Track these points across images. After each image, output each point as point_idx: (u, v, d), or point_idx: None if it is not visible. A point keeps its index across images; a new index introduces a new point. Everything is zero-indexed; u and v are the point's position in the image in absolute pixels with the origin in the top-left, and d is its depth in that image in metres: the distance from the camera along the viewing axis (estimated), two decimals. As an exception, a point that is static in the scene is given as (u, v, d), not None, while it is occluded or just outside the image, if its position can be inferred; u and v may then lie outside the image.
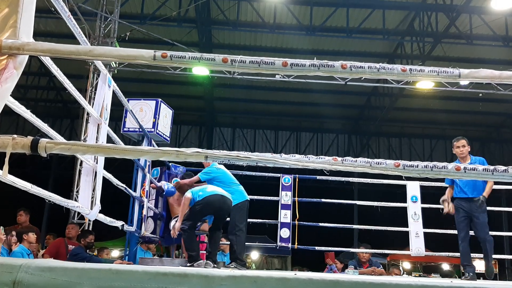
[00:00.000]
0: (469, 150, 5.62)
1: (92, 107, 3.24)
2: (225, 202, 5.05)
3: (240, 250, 5.24)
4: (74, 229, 6.33)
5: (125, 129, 6.14)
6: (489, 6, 11.16)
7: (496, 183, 5.56)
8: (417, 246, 6.37)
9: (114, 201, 5.79)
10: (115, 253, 12.29)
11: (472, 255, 5.74)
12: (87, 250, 6.01)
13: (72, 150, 1.92)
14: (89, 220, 8.25)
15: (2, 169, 1.87)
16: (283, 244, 6.53)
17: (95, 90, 7.74)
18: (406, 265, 16.60)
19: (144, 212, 5.52)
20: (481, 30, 12.15)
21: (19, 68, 1.94)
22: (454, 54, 13.52)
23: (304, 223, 6.63)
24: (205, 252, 5.95)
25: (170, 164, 6.49)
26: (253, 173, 6.83)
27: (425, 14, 12.46)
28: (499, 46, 12.53)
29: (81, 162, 3.41)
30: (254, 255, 14.92)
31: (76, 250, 5.69)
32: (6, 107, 2.00)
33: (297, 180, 6.77)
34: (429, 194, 7.16)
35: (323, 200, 6.92)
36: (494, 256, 9.63)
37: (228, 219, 5.41)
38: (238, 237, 5.23)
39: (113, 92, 3.61)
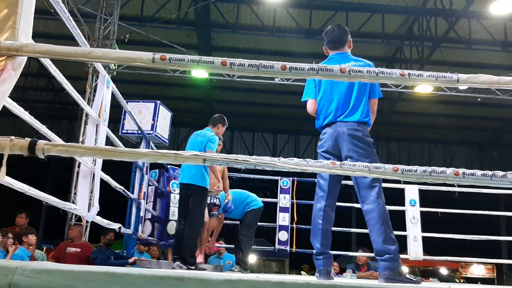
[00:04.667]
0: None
1: (91, 108, 3.24)
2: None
3: (246, 253, 5.28)
4: (74, 230, 6.38)
5: (123, 131, 6.15)
6: (488, 11, 11.19)
7: (495, 187, 5.40)
8: (415, 250, 6.36)
9: (112, 203, 5.78)
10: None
11: (470, 259, 5.37)
12: (108, 247, 6.05)
13: (70, 152, 1.91)
14: (87, 222, 8.25)
15: (-1, 171, 1.86)
16: (281, 247, 6.52)
17: (94, 91, 7.75)
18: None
19: (142, 214, 5.52)
20: (480, 34, 12.18)
21: (18, 70, 1.94)
22: (453, 58, 13.55)
23: (303, 226, 6.62)
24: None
25: (169, 166, 6.49)
26: (251, 176, 6.81)
27: (424, 19, 12.49)
28: (498, 51, 12.55)
29: (79, 163, 3.41)
30: (252, 258, 14.90)
31: (94, 254, 5.71)
32: (4, 108, 2.00)
33: (295, 183, 6.76)
34: (428, 198, 7.16)
35: (321, 203, 6.90)
36: (492, 260, 9.56)
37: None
38: (248, 238, 5.30)
39: (112, 94, 3.60)
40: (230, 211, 5.40)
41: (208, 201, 5.18)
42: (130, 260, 5.63)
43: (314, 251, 3.21)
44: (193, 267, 4.67)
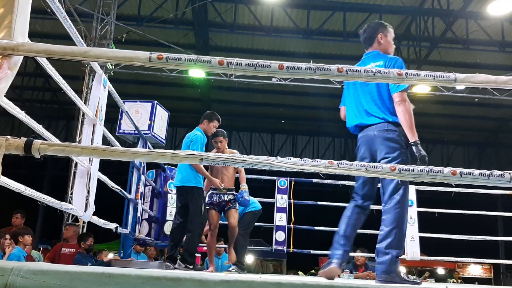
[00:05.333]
0: None
1: (88, 107, 3.22)
2: None
3: (242, 253, 5.29)
4: (69, 230, 6.41)
5: (120, 131, 6.13)
6: (485, 11, 11.20)
7: (492, 187, 5.35)
8: (412, 250, 6.36)
9: (109, 204, 5.77)
10: (110, 256, 12.25)
11: (467, 259, 5.26)
12: (89, 253, 6.02)
13: (66, 152, 1.90)
14: (84, 222, 8.24)
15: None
16: (279, 248, 6.52)
17: (91, 91, 7.74)
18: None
19: (139, 214, 5.50)
20: (477, 35, 12.20)
21: (14, 69, 1.93)
22: (450, 58, 13.57)
23: (300, 226, 6.61)
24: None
25: (166, 166, 6.47)
26: (249, 176, 6.79)
27: (422, 19, 12.50)
28: (495, 51, 12.58)
29: (76, 164, 3.40)
30: (249, 258, 14.88)
31: (76, 259, 5.69)
32: (1, 108, 1.99)
33: (292, 183, 6.76)
34: (425, 198, 7.16)
35: (318, 202, 6.91)
36: (489, 260, 9.59)
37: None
38: (244, 238, 5.30)
39: (109, 94, 3.59)
40: (245, 202, 5.08)
41: (218, 199, 5.02)
42: (106, 260, 5.64)
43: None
44: (191, 267, 4.68)
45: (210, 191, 5.07)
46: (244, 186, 5.08)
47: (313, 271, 12.58)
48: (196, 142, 4.93)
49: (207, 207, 5.05)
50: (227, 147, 5.37)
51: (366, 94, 3.20)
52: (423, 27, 12.50)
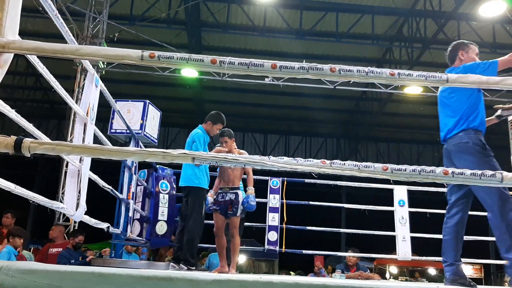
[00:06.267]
0: None
1: (79, 107, 3.20)
2: None
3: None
4: (55, 230, 6.37)
5: (112, 131, 6.10)
6: (477, 13, 11.28)
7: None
8: (404, 250, 6.39)
9: (101, 203, 5.74)
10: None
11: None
12: (77, 250, 6.01)
13: (56, 150, 1.88)
14: (75, 222, 8.19)
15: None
16: (271, 248, 6.51)
17: (83, 90, 7.69)
18: (393, 269, 16.66)
19: (130, 214, 5.48)
20: (469, 36, 12.25)
21: (4, 66, 1.91)
22: (442, 60, 13.46)
23: (292, 226, 6.61)
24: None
25: (157, 166, 6.45)
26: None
27: (414, 20, 12.56)
28: (486, 53, 12.64)
29: (67, 163, 3.38)
30: (241, 258, 14.87)
31: (59, 257, 5.67)
32: (-9, 106, 1.97)
33: (285, 183, 6.76)
34: (416, 199, 7.19)
35: (311, 202, 6.91)
36: (480, 261, 9.65)
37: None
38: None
39: (101, 93, 3.57)
40: (250, 207, 4.75)
41: (221, 198, 4.71)
42: (88, 259, 5.66)
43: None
44: (194, 268, 4.66)
45: (218, 191, 4.81)
46: (250, 190, 4.80)
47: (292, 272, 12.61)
48: (197, 140, 4.91)
49: (212, 208, 4.87)
50: (236, 147, 5.06)
51: (446, 107, 3.55)
52: (415, 28, 12.56)
